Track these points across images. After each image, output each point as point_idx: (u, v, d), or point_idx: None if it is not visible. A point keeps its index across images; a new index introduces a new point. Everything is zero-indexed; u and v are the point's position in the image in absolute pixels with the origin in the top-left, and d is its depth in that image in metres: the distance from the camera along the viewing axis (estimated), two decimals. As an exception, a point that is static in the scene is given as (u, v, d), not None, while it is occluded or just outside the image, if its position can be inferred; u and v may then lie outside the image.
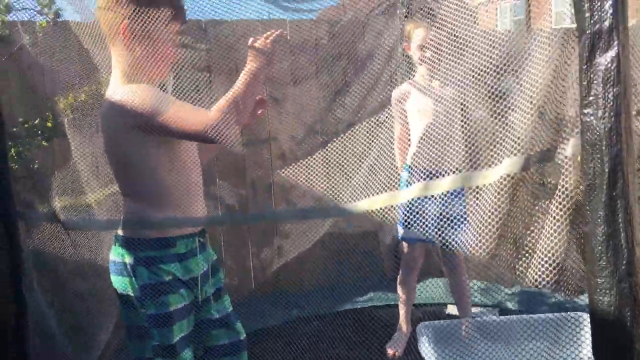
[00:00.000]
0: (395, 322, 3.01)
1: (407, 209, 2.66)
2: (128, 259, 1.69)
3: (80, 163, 2.29)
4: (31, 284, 1.82)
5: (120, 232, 1.75)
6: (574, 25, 1.17)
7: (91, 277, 2.42)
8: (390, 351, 2.90)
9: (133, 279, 1.69)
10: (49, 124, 2.79)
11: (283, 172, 1.82)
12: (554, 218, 1.21)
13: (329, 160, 1.83)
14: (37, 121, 2.85)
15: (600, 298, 1.13)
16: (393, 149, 2.63)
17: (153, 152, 1.65)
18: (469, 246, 1.27)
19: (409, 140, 2.74)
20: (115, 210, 2.33)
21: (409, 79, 2.79)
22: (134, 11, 1.57)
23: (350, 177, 1.74)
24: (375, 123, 1.93)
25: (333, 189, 1.69)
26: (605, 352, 1.14)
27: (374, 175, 1.73)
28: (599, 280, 1.13)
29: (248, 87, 1.63)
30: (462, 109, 2.38)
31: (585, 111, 1.14)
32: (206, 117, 1.56)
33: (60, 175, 2.31)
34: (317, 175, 1.79)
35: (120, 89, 1.64)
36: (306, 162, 1.83)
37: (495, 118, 1.35)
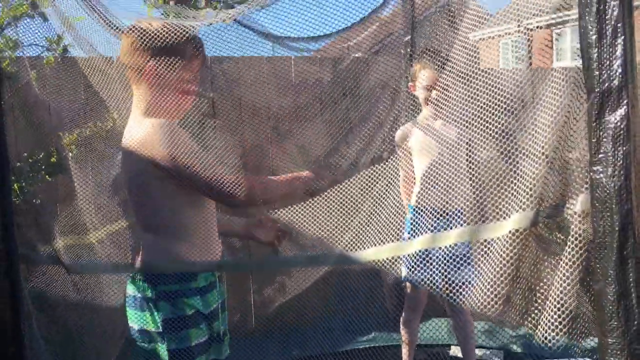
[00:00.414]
0: (398, 363, 2.97)
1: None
2: (149, 293, 1.68)
3: (83, 200, 2.29)
4: (31, 327, 1.79)
5: (137, 266, 1.74)
6: (576, 63, 1.18)
7: (90, 315, 2.39)
8: (393, 394, 2.85)
9: (155, 313, 1.68)
10: (53, 159, 2.79)
11: (283, 212, 1.81)
12: (564, 274, 1.19)
13: (333, 201, 1.82)
14: (41, 156, 2.85)
15: (612, 359, 1.11)
16: (398, 188, 2.63)
17: (177, 188, 1.67)
18: (477, 304, 1.25)
19: (414, 180, 2.73)
20: (119, 250, 2.31)
21: (413, 118, 2.81)
22: (160, 54, 1.62)
23: (354, 219, 1.73)
24: (379, 163, 1.93)
25: (337, 231, 1.68)
26: (617, 416, 1.11)
27: (379, 217, 1.72)
28: (609, 340, 1.11)
29: (291, 186, 1.75)
30: (467, 149, 2.38)
31: (595, 168, 1.13)
32: (238, 189, 1.60)
33: (64, 212, 2.30)
34: (320, 216, 1.78)
35: (150, 127, 1.64)
36: (309, 203, 1.82)
37: (502, 160, 1.34)
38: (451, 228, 2.17)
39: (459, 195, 2.12)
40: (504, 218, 1.24)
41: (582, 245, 1.19)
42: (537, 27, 1.57)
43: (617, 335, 1.10)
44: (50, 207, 2.70)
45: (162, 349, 1.68)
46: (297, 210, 1.80)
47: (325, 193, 1.79)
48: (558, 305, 1.18)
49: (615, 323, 1.10)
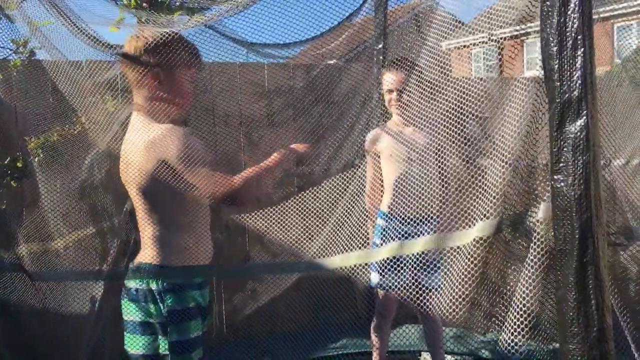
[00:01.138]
0: (369, 370, 2.97)
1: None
2: (155, 285, 1.73)
3: (49, 206, 2.25)
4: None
5: (142, 260, 1.79)
6: (539, 73, 1.20)
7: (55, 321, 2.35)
8: (363, 400, 2.85)
9: (159, 305, 1.73)
10: (19, 164, 2.73)
11: (254, 218, 1.82)
12: (526, 280, 1.21)
13: (303, 206, 1.82)
14: (6, 161, 2.79)
15: (573, 364, 1.13)
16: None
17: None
18: (443, 311, 1.26)
19: (381, 184, 2.74)
20: (86, 256, 2.27)
21: (383, 123, 2.82)
22: (163, 59, 1.75)
23: (324, 223, 1.74)
24: (350, 168, 1.93)
25: (305, 236, 1.69)
26: (577, 421, 1.13)
27: (348, 223, 1.73)
28: (570, 346, 1.13)
29: (272, 169, 1.78)
30: (436, 155, 2.41)
31: (556, 177, 1.16)
32: (230, 182, 1.69)
33: (28, 218, 2.26)
34: (290, 221, 1.78)
35: (164, 130, 1.72)
36: (280, 208, 1.82)
37: (468, 167, 1.36)
38: (422, 234, 2.20)
39: (429, 202, 2.14)
40: (470, 226, 1.26)
41: (544, 252, 1.21)
42: (505, 37, 1.60)
43: (577, 341, 1.12)
44: (15, 213, 2.65)
45: (163, 340, 1.74)
46: (267, 218, 1.80)
47: (295, 200, 1.80)
48: (521, 311, 1.20)
49: (576, 329, 1.13)
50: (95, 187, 2.42)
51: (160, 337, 1.75)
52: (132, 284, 1.79)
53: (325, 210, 1.79)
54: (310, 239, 1.70)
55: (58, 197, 2.27)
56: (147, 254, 1.79)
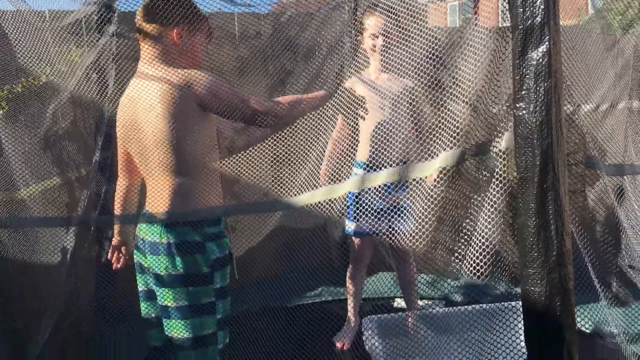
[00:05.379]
0: (345, 316, 3.02)
1: (356, 203, 2.67)
2: (196, 237, 1.82)
3: (15, 157, 2.20)
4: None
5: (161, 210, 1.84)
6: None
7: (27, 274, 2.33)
8: (338, 344, 2.91)
9: (204, 255, 1.83)
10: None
11: (226, 164, 1.81)
12: (489, 210, 1.22)
13: (274, 153, 1.81)
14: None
15: (532, 288, 1.15)
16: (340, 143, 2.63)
17: (206, 131, 1.85)
18: (407, 238, 1.27)
19: (352, 133, 2.71)
20: (52, 206, 2.24)
21: (360, 72, 2.79)
22: (186, 20, 1.86)
23: (298, 170, 1.73)
24: (321, 116, 1.92)
25: (278, 182, 1.68)
26: (536, 341, 1.16)
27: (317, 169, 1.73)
28: (530, 270, 1.15)
29: (308, 103, 1.94)
30: (410, 103, 2.40)
31: (518, 105, 1.16)
32: (264, 105, 1.84)
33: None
34: (261, 168, 1.78)
35: (187, 72, 1.80)
36: (250, 154, 1.81)
37: (437, 110, 1.36)
38: (400, 182, 2.20)
39: (407, 150, 2.14)
40: (433, 157, 1.26)
41: (506, 182, 1.22)
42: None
43: (537, 266, 1.15)
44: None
45: (209, 289, 1.84)
46: (240, 159, 1.79)
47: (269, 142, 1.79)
48: (483, 240, 1.22)
49: (536, 254, 1.15)
50: (61, 137, 2.38)
51: (206, 286, 1.84)
52: (168, 238, 1.83)
53: (297, 155, 1.78)
54: (282, 184, 1.69)
55: (25, 148, 2.22)
56: (165, 205, 1.83)
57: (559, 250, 1.14)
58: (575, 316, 1.15)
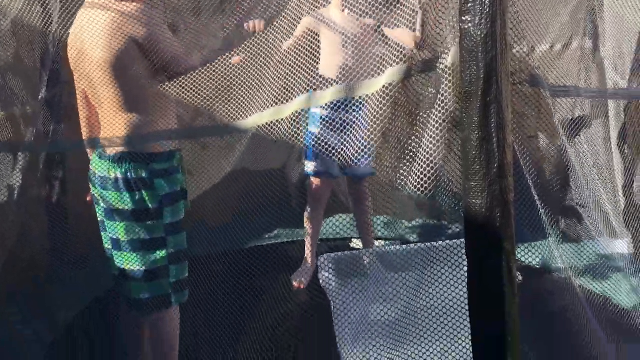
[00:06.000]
0: (303, 257, 3.06)
1: (315, 141, 2.66)
2: (143, 173, 1.82)
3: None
4: None
5: (121, 150, 1.82)
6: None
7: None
8: (295, 283, 2.95)
9: (153, 191, 1.83)
10: None
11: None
12: (434, 127, 1.23)
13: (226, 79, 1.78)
14: None
15: (474, 201, 1.18)
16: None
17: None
18: (353, 155, 1.28)
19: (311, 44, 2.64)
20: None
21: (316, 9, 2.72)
22: None
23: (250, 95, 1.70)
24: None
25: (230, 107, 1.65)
26: (476, 252, 1.19)
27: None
28: (472, 183, 1.17)
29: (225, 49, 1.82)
30: (371, 45, 2.36)
31: (464, 18, 1.15)
32: (193, 61, 1.79)
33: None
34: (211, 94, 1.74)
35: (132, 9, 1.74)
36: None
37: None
38: (362, 118, 2.18)
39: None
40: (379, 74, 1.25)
41: (451, 97, 1.23)
42: None
43: (479, 178, 1.17)
44: None
45: (159, 224, 1.86)
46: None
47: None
48: (428, 156, 1.23)
49: (478, 167, 1.16)
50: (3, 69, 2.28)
51: (155, 221, 1.85)
52: (116, 174, 1.82)
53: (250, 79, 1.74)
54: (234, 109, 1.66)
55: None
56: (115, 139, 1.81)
57: (500, 162, 1.16)
58: (514, 228, 1.18)
